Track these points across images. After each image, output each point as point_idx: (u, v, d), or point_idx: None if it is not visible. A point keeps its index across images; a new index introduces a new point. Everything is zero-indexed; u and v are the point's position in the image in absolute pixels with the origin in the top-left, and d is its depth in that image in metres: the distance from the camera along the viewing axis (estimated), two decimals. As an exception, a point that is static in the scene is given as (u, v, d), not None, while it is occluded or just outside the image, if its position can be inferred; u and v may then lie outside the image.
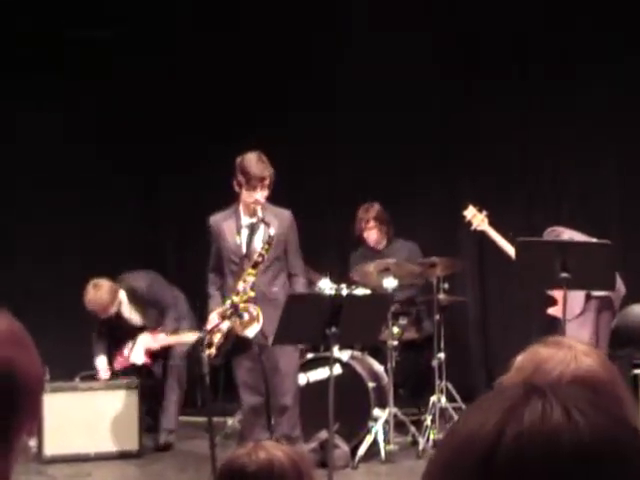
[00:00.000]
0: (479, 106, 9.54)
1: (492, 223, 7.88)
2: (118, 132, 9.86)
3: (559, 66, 9.27)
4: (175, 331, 8.44)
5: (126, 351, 8.51)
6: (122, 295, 8.41)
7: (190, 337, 8.13)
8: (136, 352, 8.44)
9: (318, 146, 9.71)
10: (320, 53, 9.65)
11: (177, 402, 8.49)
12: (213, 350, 6.59)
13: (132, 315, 8.51)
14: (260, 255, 6.70)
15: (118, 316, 8.43)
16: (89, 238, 9.88)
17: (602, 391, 2.01)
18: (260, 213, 6.74)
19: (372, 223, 8.70)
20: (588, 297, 7.40)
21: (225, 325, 6.64)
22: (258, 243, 6.85)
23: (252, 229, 6.89)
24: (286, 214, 7.00)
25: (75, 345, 8.66)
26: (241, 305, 6.63)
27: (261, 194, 6.80)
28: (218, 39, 9.79)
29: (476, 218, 7.92)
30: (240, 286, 6.71)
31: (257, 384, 6.94)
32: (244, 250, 6.88)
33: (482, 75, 9.53)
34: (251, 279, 6.71)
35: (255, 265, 6.71)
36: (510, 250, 7.36)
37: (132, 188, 10.16)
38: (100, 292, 8.23)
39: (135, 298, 8.45)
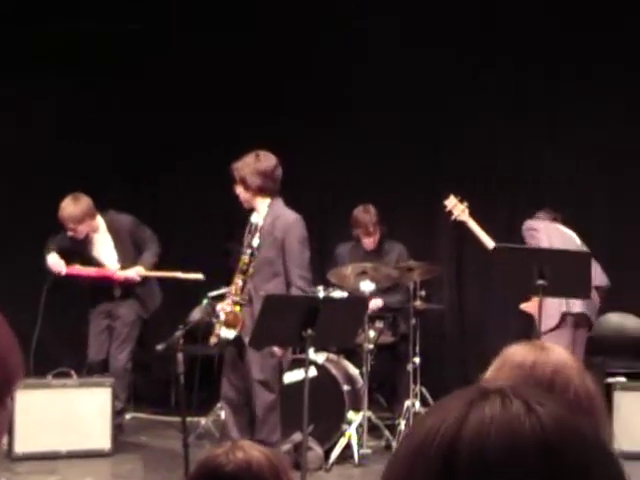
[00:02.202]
0: (462, 111, 9.61)
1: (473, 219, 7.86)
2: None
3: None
4: (152, 267, 8.38)
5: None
6: (100, 222, 8.31)
7: (175, 274, 8.23)
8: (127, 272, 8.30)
9: (305, 148, 9.69)
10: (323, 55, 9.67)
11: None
12: (214, 338, 6.76)
13: (103, 248, 8.35)
14: (244, 263, 6.67)
15: (87, 242, 8.31)
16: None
17: (572, 391, 2.02)
18: (260, 219, 6.75)
19: (374, 227, 8.68)
20: (564, 315, 7.37)
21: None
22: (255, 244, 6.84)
23: (254, 229, 6.83)
24: (288, 218, 6.83)
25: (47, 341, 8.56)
26: (227, 308, 6.64)
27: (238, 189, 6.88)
28: (214, 38, 9.77)
29: (457, 208, 7.85)
30: (231, 288, 6.72)
31: (239, 383, 6.95)
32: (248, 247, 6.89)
33: (472, 87, 9.60)
34: (240, 283, 6.68)
35: (243, 272, 6.67)
36: (488, 242, 7.37)
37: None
38: (77, 204, 8.10)
39: (117, 232, 8.33)
